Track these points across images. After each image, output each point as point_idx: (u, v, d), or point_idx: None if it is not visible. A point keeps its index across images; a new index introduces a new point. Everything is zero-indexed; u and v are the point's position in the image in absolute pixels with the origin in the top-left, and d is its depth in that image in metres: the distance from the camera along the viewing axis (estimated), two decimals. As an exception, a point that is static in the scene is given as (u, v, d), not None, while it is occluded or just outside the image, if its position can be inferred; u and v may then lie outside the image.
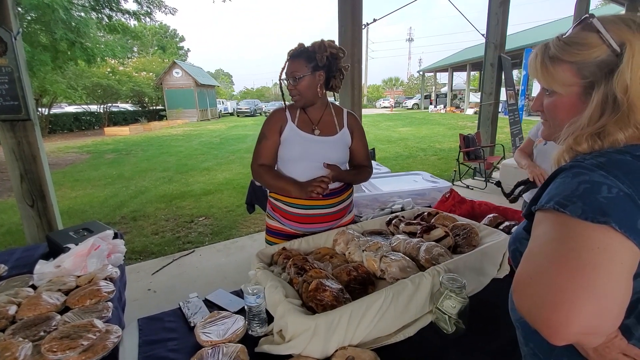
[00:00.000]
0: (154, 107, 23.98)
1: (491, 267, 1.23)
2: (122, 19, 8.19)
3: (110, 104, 18.82)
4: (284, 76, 1.37)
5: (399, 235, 1.34)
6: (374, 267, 1.16)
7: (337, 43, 1.38)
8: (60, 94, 12.84)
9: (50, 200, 2.46)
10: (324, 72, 1.37)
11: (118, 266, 1.45)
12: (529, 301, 0.47)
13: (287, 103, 1.44)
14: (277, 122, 1.39)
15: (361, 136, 1.51)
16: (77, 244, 1.49)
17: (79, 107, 18.54)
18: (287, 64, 1.36)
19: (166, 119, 21.89)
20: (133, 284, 2.69)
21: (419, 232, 1.39)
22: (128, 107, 22.82)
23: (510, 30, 5.23)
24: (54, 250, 1.60)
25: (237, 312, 1.08)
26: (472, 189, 5.19)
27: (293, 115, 1.41)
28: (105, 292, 1.20)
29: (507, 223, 1.54)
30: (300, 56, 1.34)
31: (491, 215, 1.61)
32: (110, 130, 15.48)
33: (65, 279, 1.31)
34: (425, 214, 1.54)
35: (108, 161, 8.53)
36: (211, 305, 1.15)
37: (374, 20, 4.05)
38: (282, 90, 1.40)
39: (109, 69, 16.79)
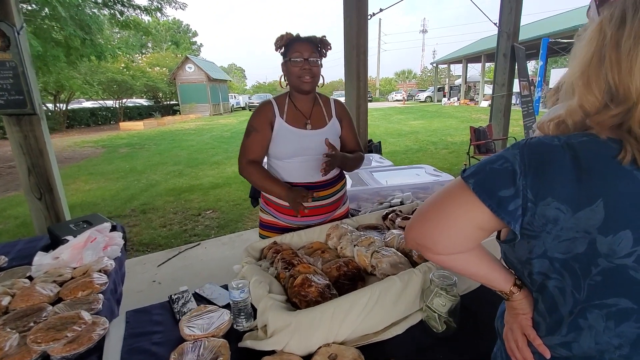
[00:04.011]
0: (168, 102, 24.31)
1: (489, 264, 1.18)
2: (134, 15, 8.27)
3: (125, 99, 19.18)
4: (296, 58, 1.28)
5: (394, 230, 1.30)
6: (365, 263, 1.13)
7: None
8: (77, 90, 13.13)
9: (57, 193, 2.50)
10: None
11: (115, 258, 1.47)
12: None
13: (273, 96, 1.41)
14: (266, 116, 1.35)
15: (350, 123, 1.48)
16: (75, 237, 1.51)
17: (95, 102, 18.96)
18: (294, 44, 1.29)
19: (179, 113, 22.16)
20: (139, 275, 2.74)
21: (415, 227, 1.35)
22: (143, 102, 23.21)
23: (526, 20, 5.04)
24: (56, 242, 1.62)
25: (225, 306, 1.07)
26: (483, 183, 5.06)
27: (281, 110, 1.36)
28: (97, 284, 1.21)
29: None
30: (310, 41, 1.31)
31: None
32: (125, 125, 15.77)
33: (62, 271, 1.33)
34: (424, 208, 1.49)
35: (122, 155, 8.69)
36: (200, 299, 1.15)
37: (380, 10, 3.95)
38: (286, 73, 1.33)
39: (122, 65, 17.06)
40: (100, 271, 1.32)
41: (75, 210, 4.39)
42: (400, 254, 1.13)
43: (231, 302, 0.97)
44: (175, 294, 1.13)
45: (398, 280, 0.95)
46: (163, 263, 2.90)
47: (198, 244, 3.28)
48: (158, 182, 5.88)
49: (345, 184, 1.51)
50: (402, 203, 1.75)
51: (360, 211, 1.80)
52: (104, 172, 6.82)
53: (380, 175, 2.32)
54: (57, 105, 14.89)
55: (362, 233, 1.29)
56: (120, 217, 4.19)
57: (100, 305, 1.12)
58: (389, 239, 1.25)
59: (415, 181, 2.13)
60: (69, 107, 16.05)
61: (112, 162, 7.76)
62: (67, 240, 1.48)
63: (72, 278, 1.29)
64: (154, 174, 6.50)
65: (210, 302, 1.11)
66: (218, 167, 6.97)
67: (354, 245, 1.19)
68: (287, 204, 1.37)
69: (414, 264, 1.13)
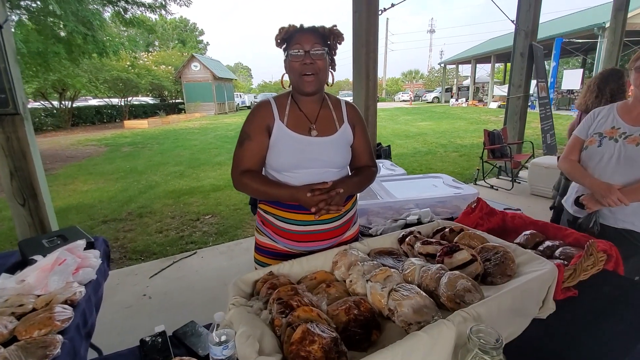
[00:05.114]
0: (174, 101, 24.31)
1: (533, 306, 0.96)
2: (139, 12, 8.13)
3: (131, 98, 19.15)
4: (295, 51, 1.07)
5: (413, 259, 1.09)
6: (380, 304, 0.92)
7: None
8: (81, 88, 13.07)
9: (42, 199, 2.33)
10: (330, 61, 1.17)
11: (87, 283, 1.27)
12: None
13: (273, 94, 1.20)
14: (262, 120, 1.14)
15: (363, 131, 1.25)
16: (45, 256, 1.32)
17: (101, 100, 18.97)
18: (295, 36, 1.08)
19: (184, 112, 22.10)
20: (129, 287, 2.56)
21: (439, 254, 1.13)
22: (148, 100, 23.21)
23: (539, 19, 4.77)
24: (26, 261, 1.44)
25: (207, 356, 0.87)
26: (497, 189, 4.81)
27: (282, 112, 1.15)
28: (58, 320, 1.01)
29: (548, 243, 1.26)
30: (314, 31, 1.10)
31: (528, 232, 1.33)
32: (130, 124, 15.72)
33: (24, 299, 1.14)
34: (447, 230, 1.27)
35: (123, 154, 8.57)
36: (179, 344, 0.95)
37: (392, 5, 3.73)
38: (287, 71, 1.13)
39: (128, 63, 17.01)
40: (66, 302, 1.13)
41: (71, 213, 4.24)
42: (423, 293, 0.92)
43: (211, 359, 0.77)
44: (148, 338, 0.93)
45: (425, 336, 0.74)
46: (156, 274, 2.72)
47: (194, 253, 3.09)
48: (158, 183, 5.72)
49: (356, 201, 1.28)
50: (419, 221, 1.54)
51: (371, 228, 1.59)
52: (104, 172, 6.68)
53: (392, 186, 2.09)
54: (63, 103, 14.87)
55: (375, 262, 1.08)
56: (116, 220, 4.02)
57: (58, 350, 0.92)
58: (408, 270, 1.04)
59: (433, 194, 1.90)
60: (74, 105, 16.04)
61: (114, 162, 7.64)
62: (35, 261, 1.29)
63: (34, 309, 1.10)
64: (155, 174, 6.35)
65: (189, 351, 0.91)
66: (220, 168, 6.80)
67: (367, 280, 0.98)
68: (286, 226, 1.16)
69: (440, 306, 0.92)
